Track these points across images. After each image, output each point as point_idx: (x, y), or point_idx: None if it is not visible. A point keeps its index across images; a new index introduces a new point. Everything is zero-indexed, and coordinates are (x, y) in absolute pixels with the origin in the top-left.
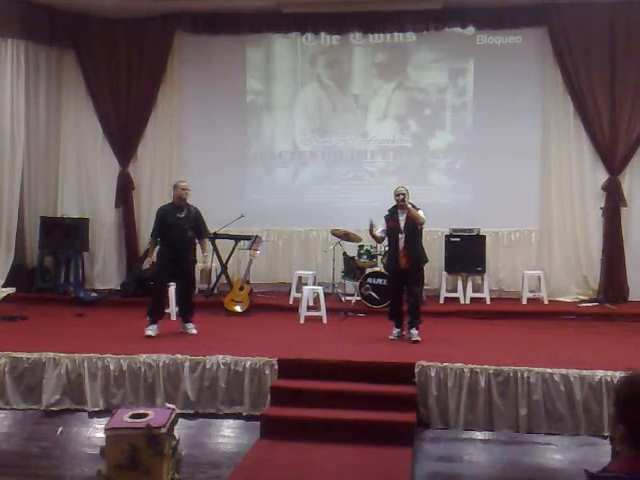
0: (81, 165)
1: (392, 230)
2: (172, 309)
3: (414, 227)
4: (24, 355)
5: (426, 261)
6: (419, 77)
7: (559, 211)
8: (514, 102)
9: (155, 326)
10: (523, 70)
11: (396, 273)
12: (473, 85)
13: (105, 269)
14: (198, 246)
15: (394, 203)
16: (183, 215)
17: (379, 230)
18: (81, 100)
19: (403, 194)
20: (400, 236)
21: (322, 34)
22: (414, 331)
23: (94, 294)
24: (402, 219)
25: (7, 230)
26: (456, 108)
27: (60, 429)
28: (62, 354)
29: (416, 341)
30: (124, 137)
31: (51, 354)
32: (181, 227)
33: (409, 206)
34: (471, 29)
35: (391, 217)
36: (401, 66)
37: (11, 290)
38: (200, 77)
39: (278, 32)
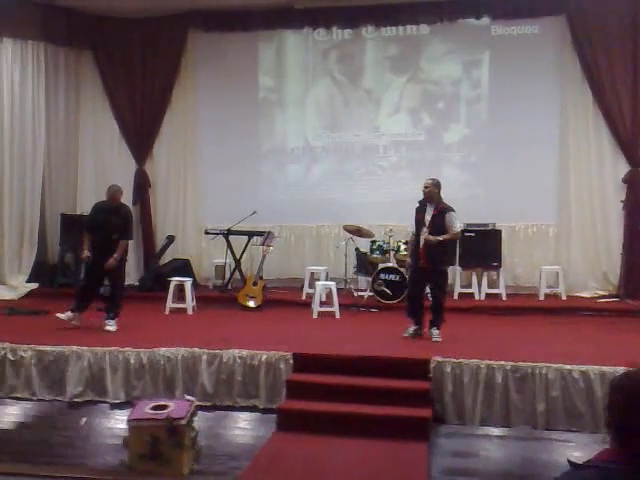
0: (99, 163)
1: (417, 223)
2: (188, 303)
3: (441, 228)
4: (49, 348)
5: (448, 265)
6: (432, 70)
7: (578, 205)
8: (531, 94)
9: (73, 315)
10: (540, 61)
11: (416, 268)
12: (488, 77)
13: None
14: None
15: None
16: (111, 220)
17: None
18: (98, 100)
19: (425, 186)
20: (424, 230)
21: (334, 29)
22: (435, 331)
23: None
24: (429, 213)
25: (30, 228)
26: (470, 101)
27: (84, 420)
28: (84, 347)
29: (436, 342)
30: (140, 135)
31: (74, 347)
32: (106, 230)
33: (446, 220)
34: (486, 20)
35: (420, 209)
36: (414, 59)
37: (34, 286)
38: (213, 75)
39: (290, 28)
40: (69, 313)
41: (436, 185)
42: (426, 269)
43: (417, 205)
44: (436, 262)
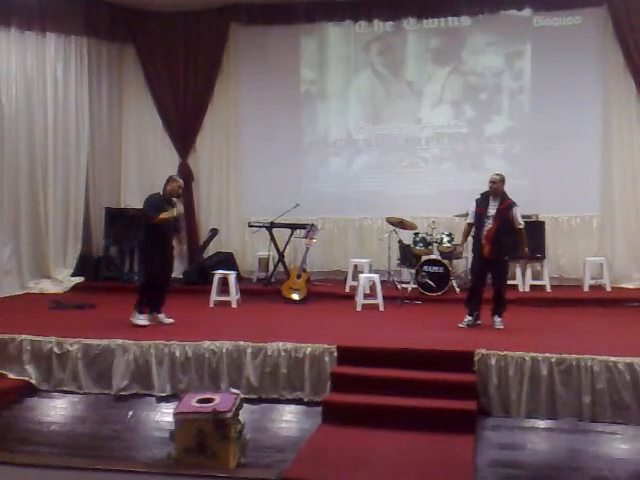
0: (142, 157)
1: (479, 216)
2: (233, 296)
3: (508, 221)
4: (94, 342)
5: (510, 254)
6: (474, 61)
7: (621, 195)
8: (573, 85)
9: (147, 316)
10: (582, 52)
11: (480, 259)
12: (530, 68)
13: None
14: None
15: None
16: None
17: (468, 217)
18: (141, 94)
19: (494, 182)
20: (486, 222)
21: (375, 21)
22: (497, 318)
23: None
24: (493, 207)
25: (74, 221)
26: (513, 92)
27: (130, 413)
28: (130, 341)
29: (498, 329)
30: (183, 129)
31: (120, 341)
32: (170, 221)
33: (510, 206)
34: (528, 11)
35: (481, 202)
36: (456, 51)
37: (79, 279)
38: (255, 68)
39: (331, 20)
40: (146, 315)
41: (503, 181)
42: (490, 259)
43: (478, 197)
44: (501, 252)
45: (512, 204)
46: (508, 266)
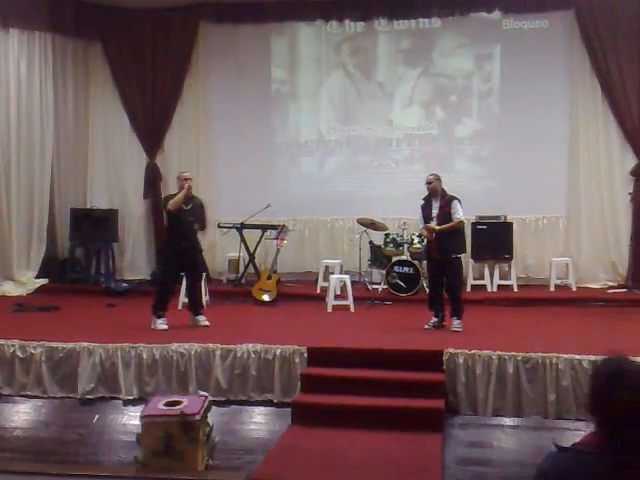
0: (109, 157)
1: (426, 218)
2: (180, 299)
3: (449, 217)
4: (59, 345)
5: (460, 253)
6: (445, 63)
7: (587, 197)
8: (541, 87)
9: (165, 319)
10: (550, 55)
11: (432, 261)
12: (499, 71)
13: (135, 259)
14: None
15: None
16: (189, 207)
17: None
18: (108, 92)
19: (429, 182)
20: (432, 223)
21: (346, 21)
22: (455, 320)
23: (124, 284)
24: (435, 207)
25: (39, 222)
26: (482, 94)
27: (96, 417)
28: (96, 344)
29: (456, 331)
30: (151, 128)
31: (85, 344)
32: (187, 219)
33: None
34: (497, 14)
35: (425, 206)
36: (426, 52)
37: (44, 281)
38: (225, 67)
39: (302, 20)
40: (164, 319)
41: (438, 179)
42: (439, 260)
43: (422, 203)
44: (447, 252)
45: (451, 198)
46: (461, 265)
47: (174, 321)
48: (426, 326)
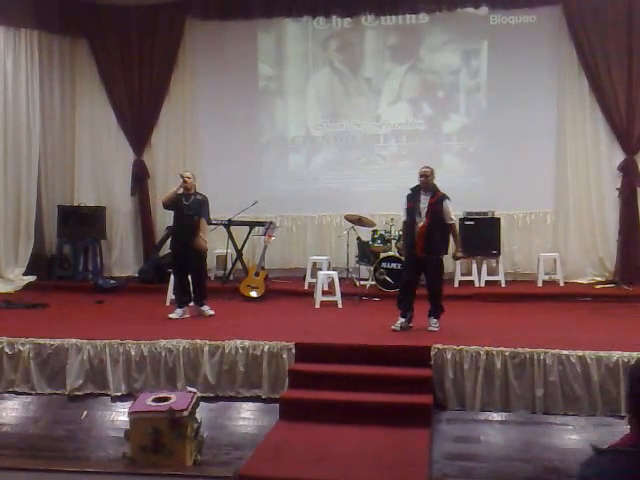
0: (96, 154)
1: (411, 211)
2: (168, 295)
3: (439, 216)
4: (47, 341)
5: (445, 253)
6: (432, 59)
7: (575, 192)
8: (529, 83)
9: (180, 310)
10: (538, 50)
11: (412, 258)
12: (487, 66)
13: (122, 256)
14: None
15: (409, 187)
16: (189, 202)
17: (403, 216)
18: (95, 89)
19: (425, 175)
20: (418, 220)
21: (333, 17)
22: (432, 320)
23: (112, 281)
24: (424, 201)
25: (26, 219)
26: (470, 90)
27: (85, 413)
28: (84, 340)
29: (432, 331)
30: (138, 125)
31: (73, 340)
32: (186, 214)
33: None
34: (484, 9)
35: (412, 197)
36: (413, 48)
37: (31, 278)
38: (212, 63)
39: (289, 16)
40: (178, 310)
41: (433, 173)
42: (422, 258)
43: (409, 193)
44: (433, 252)
45: (443, 197)
46: (443, 266)
47: (162, 317)
48: (393, 327)
